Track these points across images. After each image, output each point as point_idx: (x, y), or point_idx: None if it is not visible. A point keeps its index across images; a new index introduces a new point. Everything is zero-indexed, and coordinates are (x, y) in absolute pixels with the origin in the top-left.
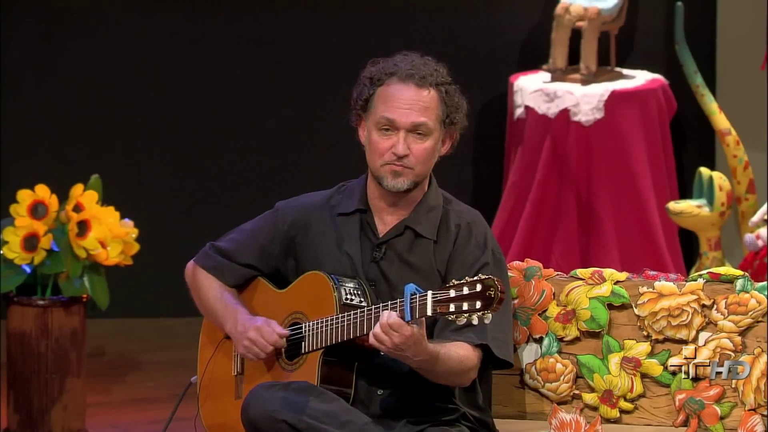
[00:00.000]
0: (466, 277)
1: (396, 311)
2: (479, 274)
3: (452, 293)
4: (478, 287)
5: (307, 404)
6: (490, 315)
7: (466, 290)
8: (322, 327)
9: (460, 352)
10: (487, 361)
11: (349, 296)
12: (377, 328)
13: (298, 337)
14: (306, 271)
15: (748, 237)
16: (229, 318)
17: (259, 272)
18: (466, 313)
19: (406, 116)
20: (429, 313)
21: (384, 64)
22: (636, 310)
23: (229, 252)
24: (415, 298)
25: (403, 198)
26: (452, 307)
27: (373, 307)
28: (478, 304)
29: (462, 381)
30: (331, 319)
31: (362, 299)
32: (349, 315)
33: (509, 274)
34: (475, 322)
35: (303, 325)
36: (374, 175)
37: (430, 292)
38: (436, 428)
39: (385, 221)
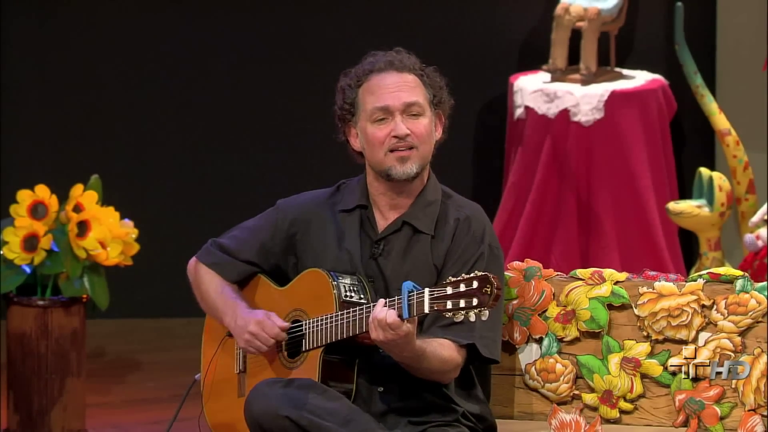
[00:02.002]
0: (463, 274)
1: (394, 308)
2: (475, 270)
3: (449, 290)
4: (475, 284)
5: (310, 401)
6: (486, 312)
7: (462, 287)
8: (322, 325)
9: (445, 353)
10: (473, 358)
11: (348, 293)
12: (370, 320)
13: (298, 334)
14: (306, 268)
15: (748, 237)
16: (228, 312)
17: (259, 269)
18: (462, 310)
19: (397, 98)
20: (426, 310)
21: (357, 68)
22: (636, 311)
23: (230, 249)
24: (413, 295)
25: (405, 190)
26: (449, 304)
27: (372, 304)
28: (475, 301)
29: (443, 379)
30: (331, 317)
31: (362, 296)
32: (349, 312)
33: (508, 274)
34: (472, 318)
35: (303, 322)
36: (379, 170)
37: (427, 290)
38: (436, 429)
39: (387, 216)
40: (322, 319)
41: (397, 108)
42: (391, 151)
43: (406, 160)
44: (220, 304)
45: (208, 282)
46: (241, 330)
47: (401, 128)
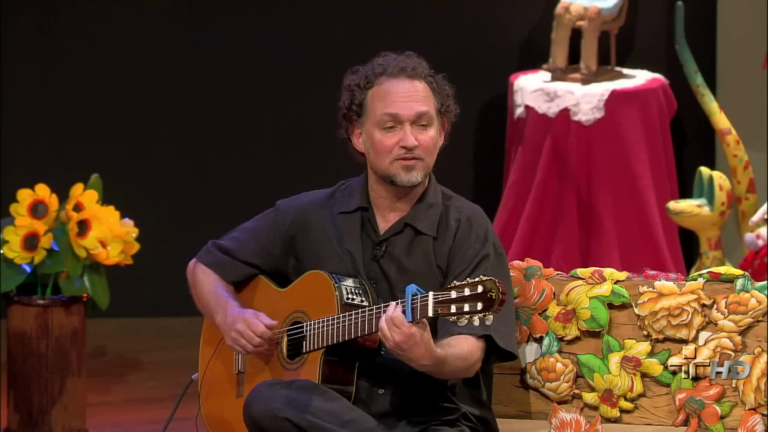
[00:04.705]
0: (468, 279)
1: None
2: (480, 275)
3: (453, 294)
4: (479, 289)
5: (310, 402)
6: (491, 316)
7: (467, 291)
8: (323, 327)
9: (465, 349)
10: (490, 353)
11: (350, 296)
12: (382, 321)
13: (299, 336)
14: (306, 269)
15: (749, 236)
16: (219, 311)
17: (259, 270)
18: (467, 314)
19: (408, 108)
20: (430, 314)
21: (367, 68)
22: (636, 310)
23: (231, 250)
24: (417, 298)
25: (407, 193)
26: (453, 308)
27: (375, 307)
28: (479, 306)
29: (467, 375)
30: (333, 319)
31: (363, 298)
32: (350, 315)
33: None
34: (477, 323)
35: (304, 324)
36: (383, 175)
37: (431, 293)
38: (436, 428)
39: (387, 219)
40: (323, 321)
41: (407, 118)
42: (397, 159)
43: (412, 169)
44: (212, 304)
45: (204, 281)
46: (228, 328)
47: (410, 140)
